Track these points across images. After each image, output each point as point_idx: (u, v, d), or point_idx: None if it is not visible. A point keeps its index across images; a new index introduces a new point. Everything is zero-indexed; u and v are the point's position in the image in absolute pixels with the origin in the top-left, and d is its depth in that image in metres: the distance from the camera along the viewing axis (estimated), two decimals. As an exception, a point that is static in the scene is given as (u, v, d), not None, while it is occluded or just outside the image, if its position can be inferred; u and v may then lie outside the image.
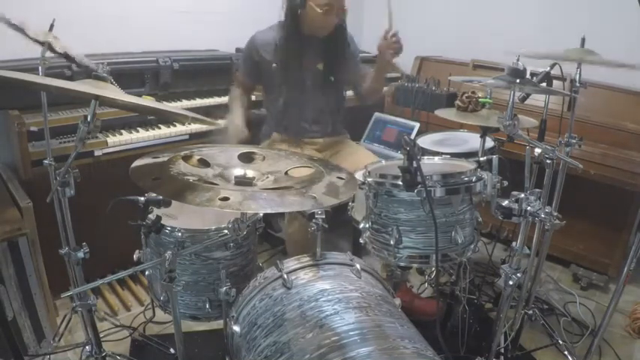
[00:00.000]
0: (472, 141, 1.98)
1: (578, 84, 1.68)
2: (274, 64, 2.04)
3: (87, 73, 2.01)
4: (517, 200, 1.19)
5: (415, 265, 1.64)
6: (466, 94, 1.83)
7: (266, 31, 2.09)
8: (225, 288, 1.27)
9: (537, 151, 1.37)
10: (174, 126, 2.22)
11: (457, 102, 1.88)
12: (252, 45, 2.10)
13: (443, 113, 1.90)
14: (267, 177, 1.22)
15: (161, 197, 1.20)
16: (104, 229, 1.76)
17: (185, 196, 0.98)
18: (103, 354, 1.53)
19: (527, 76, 1.32)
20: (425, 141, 2.04)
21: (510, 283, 1.28)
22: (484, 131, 1.76)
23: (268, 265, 1.33)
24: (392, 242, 1.35)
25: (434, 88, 2.73)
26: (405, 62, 3.33)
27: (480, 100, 1.81)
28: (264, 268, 1.32)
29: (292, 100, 2.09)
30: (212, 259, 1.39)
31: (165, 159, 1.20)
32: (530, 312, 1.92)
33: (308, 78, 2.08)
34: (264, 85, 2.19)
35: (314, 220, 1.30)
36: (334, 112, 2.20)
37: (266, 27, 2.11)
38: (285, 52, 2.01)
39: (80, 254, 1.37)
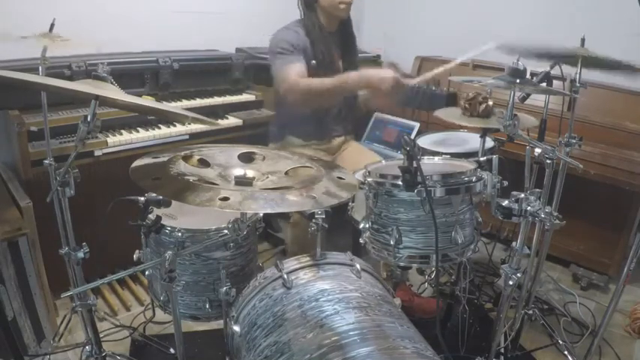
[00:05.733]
0: (472, 141, 1.98)
1: (578, 84, 1.68)
2: (313, 62, 1.98)
3: (87, 73, 2.03)
4: (517, 200, 1.19)
5: (415, 265, 1.63)
6: (471, 95, 1.81)
7: (290, 32, 1.99)
8: (225, 288, 1.27)
9: (537, 151, 1.37)
10: (174, 126, 2.22)
11: (463, 104, 1.85)
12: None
13: (443, 113, 1.90)
14: (267, 177, 1.22)
15: (161, 197, 1.20)
16: (104, 229, 1.76)
17: (185, 196, 0.98)
18: (103, 354, 1.53)
19: (527, 76, 1.32)
20: (425, 141, 2.04)
21: (510, 283, 1.28)
22: (484, 131, 1.76)
23: (268, 265, 1.33)
24: (392, 242, 1.35)
25: (434, 88, 2.73)
26: (405, 62, 3.34)
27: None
28: (264, 268, 1.32)
29: None
30: (212, 259, 1.39)
31: (165, 159, 1.20)
32: (530, 312, 1.92)
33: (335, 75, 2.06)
34: None
35: (314, 220, 1.31)
36: (351, 109, 2.21)
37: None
38: (320, 50, 1.99)
39: (80, 254, 1.37)
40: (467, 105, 1.81)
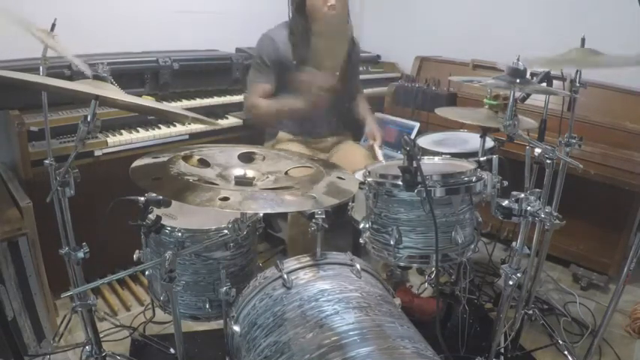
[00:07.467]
0: (472, 141, 1.98)
1: (578, 84, 1.68)
2: (294, 62, 2.03)
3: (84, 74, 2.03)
4: (517, 200, 1.19)
5: (415, 265, 1.63)
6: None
7: (278, 31, 2.07)
8: (225, 288, 1.27)
9: (537, 151, 1.37)
10: (174, 126, 2.22)
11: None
12: (272, 45, 2.05)
13: (443, 112, 1.89)
14: (267, 177, 1.22)
15: (161, 197, 1.20)
16: (104, 229, 1.76)
17: (185, 196, 0.98)
18: (103, 354, 1.53)
19: (527, 76, 1.32)
20: (425, 141, 2.04)
21: (510, 283, 1.28)
22: (484, 131, 1.76)
23: (268, 265, 1.33)
24: (392, 242, 1.35)
25: (434, 88, 2.73)
26: (405, 62, 3.34)
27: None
28: (264, 268, 1.32)
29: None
30: (212, 259, 1.39)
31: (165, 159, 1.20)
32: (530, 312, 1.92)
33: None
34: (278, 84, 2.14)
35: (314, 220, 1.31)
36: (343, 112, 2.21)
37: (269, 27, 2.10)
38: (302, 52, 2.00)
39: (80, 254, 1.37)
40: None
